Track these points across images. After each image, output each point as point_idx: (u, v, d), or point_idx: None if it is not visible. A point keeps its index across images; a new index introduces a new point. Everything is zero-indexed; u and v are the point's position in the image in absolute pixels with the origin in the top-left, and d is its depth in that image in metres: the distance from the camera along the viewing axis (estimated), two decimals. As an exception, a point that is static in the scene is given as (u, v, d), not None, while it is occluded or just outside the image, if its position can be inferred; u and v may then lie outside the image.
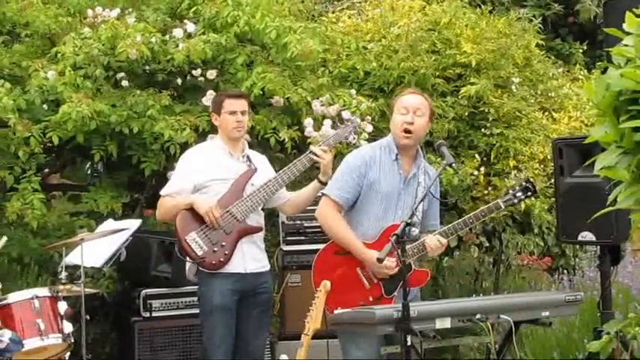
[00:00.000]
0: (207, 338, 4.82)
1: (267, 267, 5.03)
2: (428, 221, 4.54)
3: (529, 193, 4.62)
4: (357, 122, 5.40)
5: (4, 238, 5.12)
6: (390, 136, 4.55)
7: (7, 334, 4.53)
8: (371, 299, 4.37)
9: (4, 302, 4.80)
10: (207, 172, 4.84)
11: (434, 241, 4.41)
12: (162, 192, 4.94)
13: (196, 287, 4.96)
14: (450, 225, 4.50)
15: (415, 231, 4.39)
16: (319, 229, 5.68)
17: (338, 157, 5.23)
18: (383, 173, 4.46)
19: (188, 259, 4.80)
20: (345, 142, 5.22)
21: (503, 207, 4.56)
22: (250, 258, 4.87)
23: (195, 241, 4.76)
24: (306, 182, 5.18)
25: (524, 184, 4.63)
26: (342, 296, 4.29)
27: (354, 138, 5.27)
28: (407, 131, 4.42)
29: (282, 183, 4.91)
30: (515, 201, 4.62)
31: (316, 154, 4.86)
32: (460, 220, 4.52)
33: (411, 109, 4.43)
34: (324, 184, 4.78)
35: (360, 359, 4.32)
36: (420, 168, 4.53)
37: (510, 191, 4.63)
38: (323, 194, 4.57)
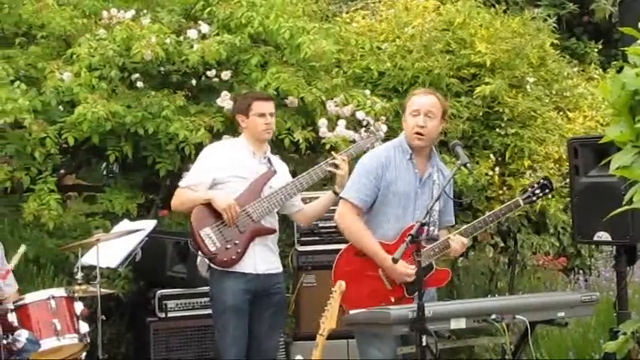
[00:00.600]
0: (220, 338, 4.83)
1: (280, 269, 5.04)
2: (443, 218, 4.52)
3: (547, 191, 4.62)
4: (380, 135, 5.35)
5: (23, 247, 5.16)
6: (402, 136, 4.54)
7: (24, 335, 4.57)
8: (393, 300, 4.33)
9: (21, 303, 4.83)
10: (228, 169, 4.87)
11: (458, 243, 4.41)
12: (181, 183, 4.97)
13: (211, 288, 4.98)
14: (470, 224, 4.50)
15: (435, 230, 4.39)
16: (334, 230, 5.69)
17: (352, 160, 5.22)
18: (399, 173, 4.45)
19: (200, 253, 4.82)
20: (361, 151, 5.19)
21: (522, 204, 4.58)
22: (261, 259, 4.87)
23: (209, 236, 4.78)
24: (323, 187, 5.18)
25: (542, 181, 4.63)
26: (363, 297, 4.26)
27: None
28: (419, 134, 4.41)
29: (301, 187, 4.93)
30: (534, 199, 4.63)
31: (336, 164, 4.87)
32: (480, 218, 4.53)
33: (423, 110, 4.41)
34: (338, 194, 4.77)
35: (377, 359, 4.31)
36: (434, 167, 4.52)
37: (529, 189, 4.63)
38: (341, 198, 4.54)
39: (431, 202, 4.26)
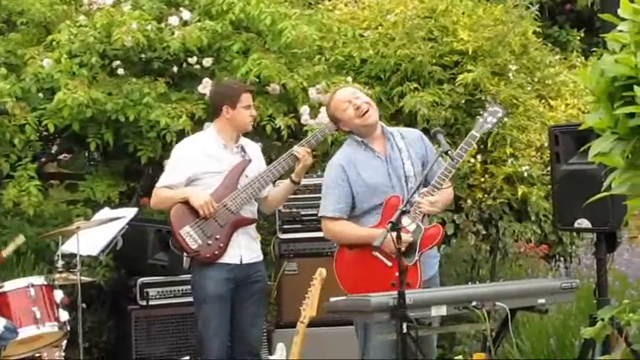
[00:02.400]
0: (203, 328, 4.83)
1: (261, 257, 5.06)
2: (431, 181, 4.42)
3: (499, 115, 4.56)
4: (332, 126, 5.36)
5: (21, 238, 5.15)
6: (349, 137, 4.60)
7: (1, 323, 4.53)
8: (397, 274, 4.31)
9: (0, 290, 4.80)
10: (201, 165, 4.85)
11: (425, 206, 4.34)
12: (157, 184, 4.96)
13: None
14: (439, 173, 4.38)
15: (415, 197, 4.35)
16: (316, 218, 5.69)
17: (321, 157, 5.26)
18: (363, 168, 4.47)
19: (183, 253, 4.82)
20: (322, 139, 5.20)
21: (477, 136, 4.51)
22: (245, 248, 4.89)
23: (189, 234, 4.77)
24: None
25: (490, 108, 4.57)
26: (371, 284, 4.24)
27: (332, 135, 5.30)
28: (360, 111, 4.46)
29: (277, 174, 4.97)
30: (489, 126, 4.56)
31: (299, 154, 4.88)
32: (446, 163, 4.43)
33: (349, 97, 4.50)
34: (297, 183, 4.94)
35: (378, 346, 4.29)
36: (392, 139, 4.54)
37: (479, 119, 4.57)
38: (321, 217, 4.56)
39: (411, 191, 4.26)
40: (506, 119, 4.63)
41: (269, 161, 5.16)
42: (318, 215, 4.63)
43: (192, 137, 5.19)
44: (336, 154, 4.71)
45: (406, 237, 4.23)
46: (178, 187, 4.85)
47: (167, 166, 5.06)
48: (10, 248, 5.18)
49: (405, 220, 4.20)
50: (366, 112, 4.47)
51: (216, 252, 4.79)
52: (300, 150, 4.94)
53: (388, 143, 4.53)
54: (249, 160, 4.95)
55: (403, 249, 4.13)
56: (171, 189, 4.86)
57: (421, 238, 4.37)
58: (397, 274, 4.08)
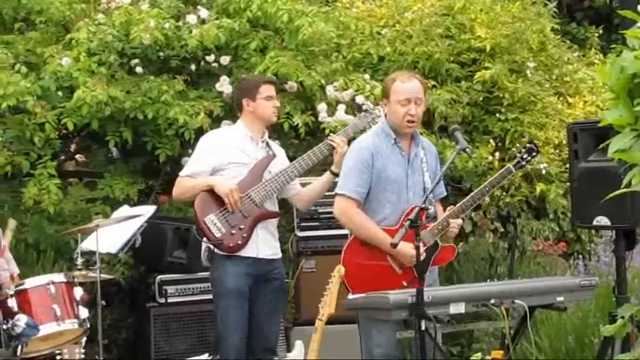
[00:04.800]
0: (221, 322, 4.84)
1: (280, 254, 5.06)
2: (436, 191, 4.50)
3: (534, 154, 4.73)
4: (377, 113, 5.33)
5: (12, 222, 5.18)
6: (383, 122, 4.58)
7: (23, 319, 4.58)
8: (405, 284, 4.33)
9: (21, 288, 4.84)
10: (227, 155, 4.87)
11: (458, 221, 4.47)
12: (181, 173, 4.98)
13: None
14: (468, 197, 4.54)
15: (432, 209, 4.41)
16: (333, 215, 5.70)
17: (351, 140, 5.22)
18: (387, 160, 4.48)
19: (206, 240, 4.83)
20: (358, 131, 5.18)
21: (514, 171, 4.71)
22: (263, 243, 4.90)
23: (213, 222, 4.79)
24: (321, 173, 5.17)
25: (528, 145, 4.77)
26: (375, 285, 4.25)
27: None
28: (411, 122, 4.48)
29: (301, 170, 4.95)
30: (524, 163, 4.72)
31: (335, 143, 4.87)
32: (476, 190, 4.57)
33: (413, 99, 4.45)
34: (337, 175, 4.78)
35: (380, 343, 4.31)
36: (419, 146, 4.59)
37: (517, 155, 4.74)
38: (337, 194, 4.53)
39: (430, 187, 4.28)
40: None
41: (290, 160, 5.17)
42: (335, 191, 4.55)
43: (219, 129, 5.24)
44: (365, 138, 4.64)
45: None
46: (202, 176, 4.86)
47: (192, 156, 5.07)
48: (9, 236, 5.21)
49: (426, 235, 4.31)
50: (413, 122, 4.49)
51: (240, 242, 4.80)
52: (336, 138, 4.92)
53: (414, 147, 4.57)
54: (274, 155, 4.98)
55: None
56: (194, 178, 4.88)
57: (436, 255, 4.44)
58: (404, 283, 4.24)
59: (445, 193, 4.75)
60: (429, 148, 4.70)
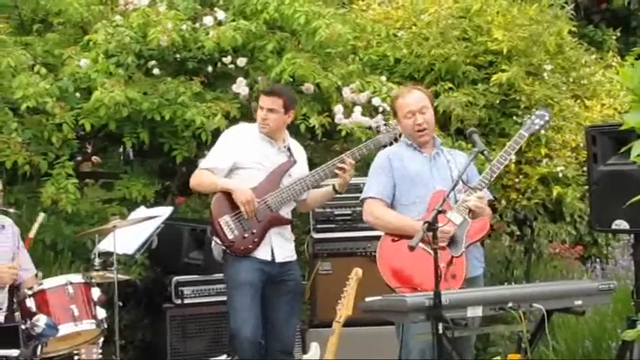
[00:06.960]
0: (235, 315, 4.82)
1: (294, 257, 5.07)
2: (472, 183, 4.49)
3: (547, 118, 4.66)
4: (399, 129, 5.34)
5: (42, 215, 5.21)
6: (402, 140, 4.70)
7: (42, 319, 4.59)
8: (443, 265, 4.20)
9: (39, 288, 4.85)
10: (247, 155, 4.90)
11: (473, 200, 4.39)
12: (200, 165, 5.02)
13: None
14: (485, 171, 4.46)
15: (461, 196, 4.40)
16: (349, 217, 5.71)
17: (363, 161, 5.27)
18: (407, 160, 4.56)
19: (218, 240, 4.85)
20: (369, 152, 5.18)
21: (526, 135, 4.60)
22: (277, 247, 4.91)
23: (227, 224, 4.82)
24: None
25: (537, 111, 4.72)
26: (417, 275, 4.25)
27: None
28: (421, 130, 4.54)
29: (319, 180, 5.01)
30: (536, 127, 4.64)
31: (344, 164, 4.90)
32: (494, 160, 4.45)
33: (416, 109, 4.54)
34: (338, 192, 4.98)
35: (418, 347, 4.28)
36: (440, 149, 4.63)
37: (527, 120, 4.69)
38: (363, 200, 4.60)
39: (448, 189, 4.25)
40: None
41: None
42: (361, 198, 4.64)
43: (243, 125, 5.20)
44: (387, 148, 4.83)
45: (448, 228, 4.25)
46: (222, 171, 4.88)
47: (213, 149, 5.08)
48: (35, 229, 5.23)
49: (453, 215, 4.30)
50: (423, 130, 4.54)
51: (250, 246, 4.83)
52: (346, 161, 4.95)
53: (435, 149, 4.62)
54: (295, 162, 4.99)
55: (447, 242, 4.23)
56: (213, 173, 4.89)
57: (467, 231, 4.37)
58: (443, 265, 4.07)
59: (491, 196, 4.71)
60: (455, 154, 4.73)
